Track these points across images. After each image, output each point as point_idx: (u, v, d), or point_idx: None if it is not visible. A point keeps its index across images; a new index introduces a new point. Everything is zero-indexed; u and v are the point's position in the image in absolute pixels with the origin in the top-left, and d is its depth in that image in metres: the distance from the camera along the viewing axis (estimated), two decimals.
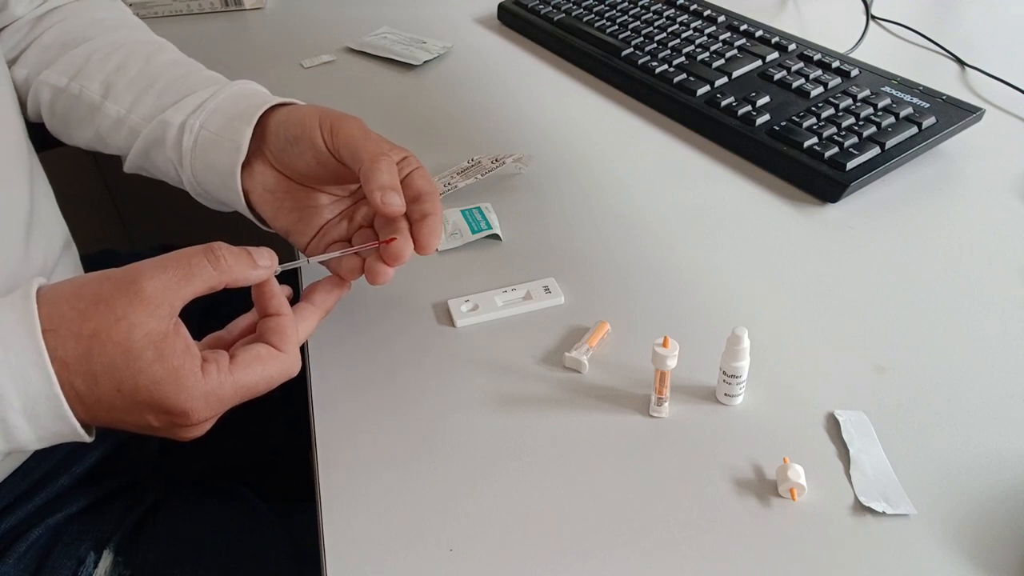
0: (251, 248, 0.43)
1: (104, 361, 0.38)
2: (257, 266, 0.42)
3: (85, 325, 0.37)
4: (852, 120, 0.65)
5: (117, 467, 0.60)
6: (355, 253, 0.48)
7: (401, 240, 0.46)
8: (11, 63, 0.60)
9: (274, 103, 0.51)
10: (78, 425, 0.39)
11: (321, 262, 0.49)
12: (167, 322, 0.39)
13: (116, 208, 1.32)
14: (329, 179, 0.50)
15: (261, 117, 0.50)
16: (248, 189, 0.52)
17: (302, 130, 0.48)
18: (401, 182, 0.49)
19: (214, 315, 0.50)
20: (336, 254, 0.48)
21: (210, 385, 0.39)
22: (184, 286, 0.39)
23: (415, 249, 0.47)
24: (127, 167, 0.59)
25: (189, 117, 0.53)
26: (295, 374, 0.44)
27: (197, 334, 0.43)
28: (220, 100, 0.53)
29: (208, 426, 0.42)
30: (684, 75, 0.74)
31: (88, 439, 0.41)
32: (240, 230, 0.56)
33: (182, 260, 0.40)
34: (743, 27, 0.81)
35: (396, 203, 0.45)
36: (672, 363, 0.43)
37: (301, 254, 0.52)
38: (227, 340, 0.46)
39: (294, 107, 0.51)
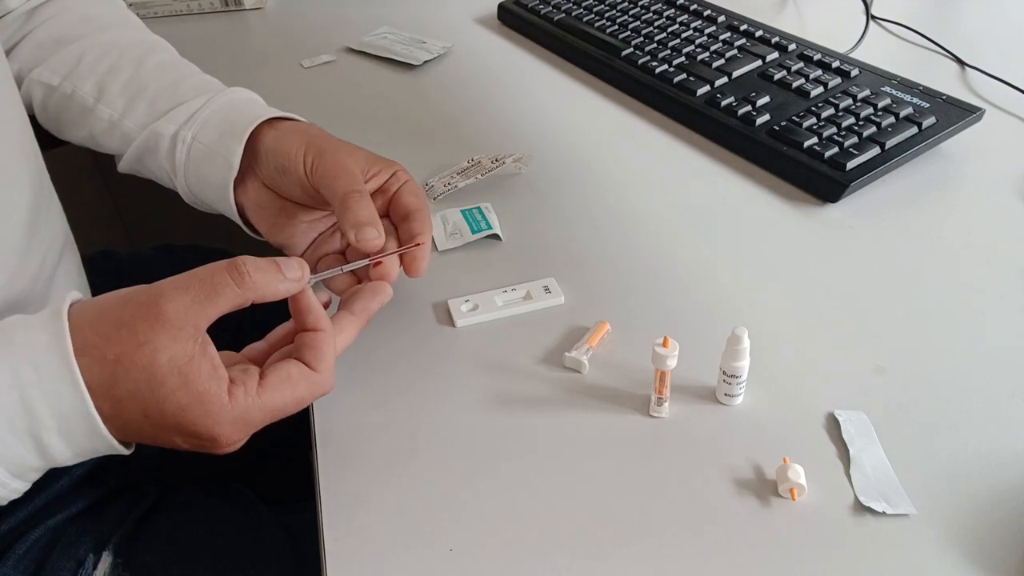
0: (279, 259, 0.41)
1: (128, 387, 0.37)
2: (285, 279, 0.41)
3: (109, 350, 0.37)
4: (852, 120, 0.65)
5: (117, 468, 0.60)
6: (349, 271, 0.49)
7: (387, 263, 0.48)
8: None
9: (264, 118, 0.52)
10: (114, 440, 0.38)
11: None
12: (191, 344, 0.37)
13: (116, 208, 1.32)
14: (318, 203, 0.52)
15: (253, 131, 0.51)
16: (242, 203, 0.52)
17: (288, 161, 0.49)
18: (390, 198, 0.51)
19: (253, 327, 0.49)
20: (328, 273, 0.48)
21: (237, 410, 0.38)
22: (208, 306, 0.38)
23: (406, 273, 0.49)
24: (121, 168, 0.59)
25: (181, 129, 0.53)
26: (328, 392, 0.42)
27: (236, 345, 0.42)
28: (211, 111, 0.54)
29: (240, 445, 0.40)
30: (684, 75, 0.74)
31: (126, 452, 0.40)
32: (239, 230, 0.56)
33: (204, 279, 0.38)
34: (743, 27, 0.81)
35: (371, 237, 0.46)
36: (672, 363, 0.43)
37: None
38: (265, 351, 0.45)
39: (282, 131, 0.52)
